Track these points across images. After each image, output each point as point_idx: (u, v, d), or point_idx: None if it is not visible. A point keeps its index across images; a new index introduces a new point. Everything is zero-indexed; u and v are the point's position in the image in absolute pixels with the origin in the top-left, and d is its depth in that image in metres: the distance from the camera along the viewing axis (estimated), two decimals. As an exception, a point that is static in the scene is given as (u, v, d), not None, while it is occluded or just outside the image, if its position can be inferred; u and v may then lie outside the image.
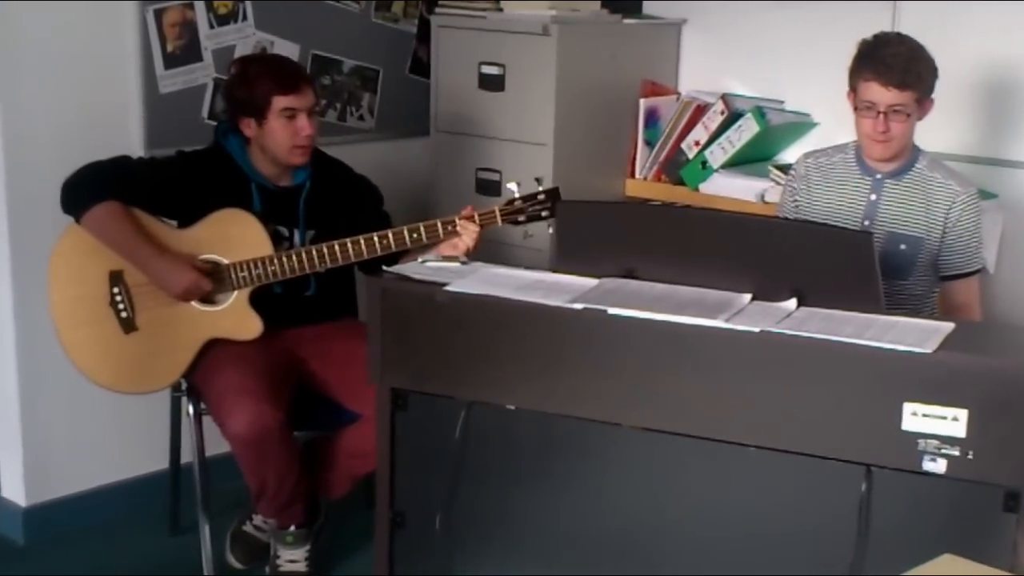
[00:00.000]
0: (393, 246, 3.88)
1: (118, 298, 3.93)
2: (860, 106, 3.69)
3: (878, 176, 3.81)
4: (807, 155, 3.99)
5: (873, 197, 3.81)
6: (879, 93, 3.63)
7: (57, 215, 3.90)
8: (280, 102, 3.94)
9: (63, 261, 3.96)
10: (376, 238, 3.88)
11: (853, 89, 3.71)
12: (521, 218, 3.90)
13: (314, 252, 3.90)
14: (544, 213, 3.89)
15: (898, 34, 3.77)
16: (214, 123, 4.35)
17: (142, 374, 3.99)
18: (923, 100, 3.68)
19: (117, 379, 3.99)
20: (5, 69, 4.07)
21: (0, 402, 4.35)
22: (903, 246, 3.76)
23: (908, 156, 3.79)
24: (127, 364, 3.97)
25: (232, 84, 4.07)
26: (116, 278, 3.93)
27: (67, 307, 3.96)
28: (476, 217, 3.86)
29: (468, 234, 3.83)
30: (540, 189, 3.90)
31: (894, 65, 3.61)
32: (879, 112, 3.65)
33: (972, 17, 4.34)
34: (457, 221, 3.85)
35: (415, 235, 3.87)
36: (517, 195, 3.89)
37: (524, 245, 4.20)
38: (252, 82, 3.97)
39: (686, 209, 4.40)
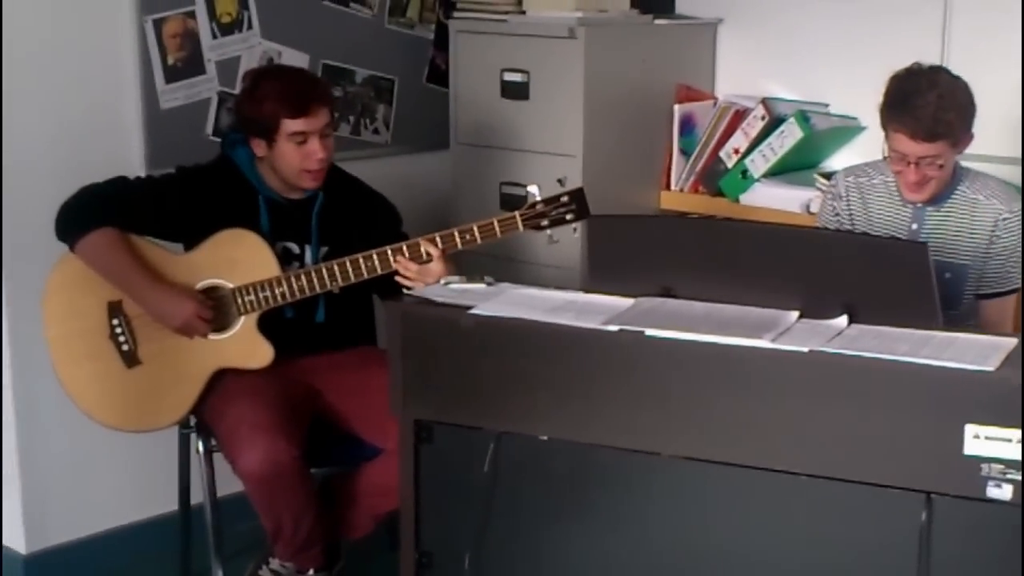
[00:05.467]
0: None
1: (118, 330, 3.95)
2: (892, 154, 3.71)
3: (919, 204, 3.82)
4: (847, 172, 4.00)
5: (915, 226, 3.83)
6: (909, 146, 3.64)
7: (53, 242, 3.93)
8: (289, 126, 3.94)
9: (58, 292, 3.98)
10: (391, 252, 3.89)
11: (883, 128, 3.72)
12: (544, 222, 3.91)
13: (324, 271, 3.92)
14: (568, 216, 3.90)
15: (930, 72, 3.69)
16: (219, 140, 4.36)
17: (147, 410, 4.01)
18: (959, 142, 3.68)
19: (121, 417, 4.01)
20: (-5, 87, 4.11)
21: (-3, 443, 4.37)
22: (948, 274, 3.77)
23: (950, 180, 3.80)
24: (131, 400, 3.99)
25: (241, 102, 4.09)
26: (115, 309, 3.96)
27: (64, 342, 3.98)
28: (438, 240, 3.90)
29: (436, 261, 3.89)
30: (563, 191, 3.92)
31: (923, 118, 3.59)
32: (910, 162, 3.66)
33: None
34: (421, 242, 3.90)
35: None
36: (538, 198, 3.91)
37: (551, 264, 4.19)
38: (260, 102, 3.97)
39: (726, 222, 4.40)
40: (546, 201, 3.91)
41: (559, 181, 3.91)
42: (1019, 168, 4.28)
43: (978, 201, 3.80)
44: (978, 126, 3.70)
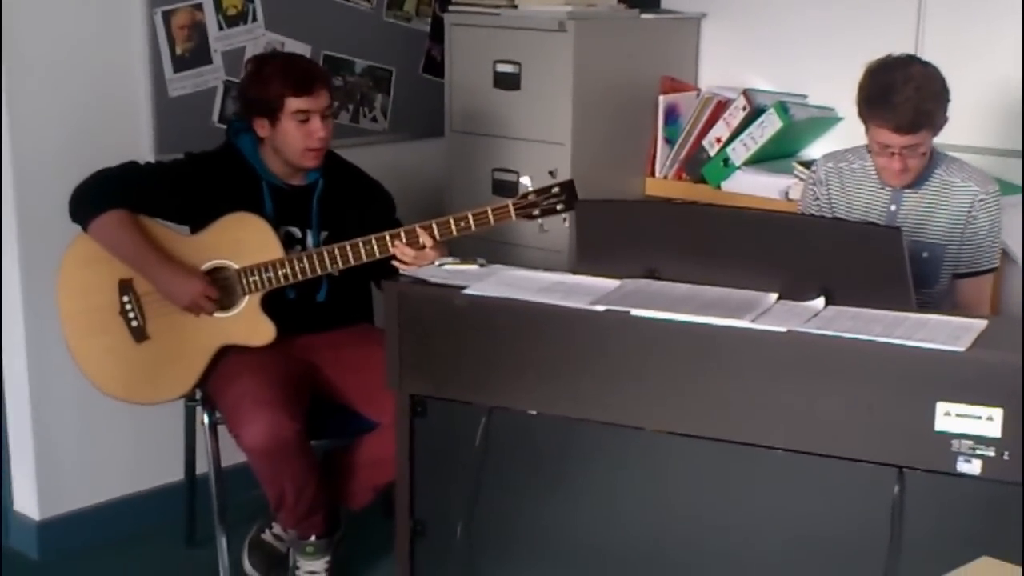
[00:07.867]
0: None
1: (128, 307, 3.94)
2: (874, 145, 3.68)
3: (898, 188, 3.80)
4: (827, 158, 3.98)
5: (893, 208, 3.81)
6: (893, 138, 3.61)
7: (66, 223, 3.91)
8: (293, 104, 3.93)
9: (72, 270, 3.97)
10: (388, 237, 3.87)
11: (863, 121, 3.69)
12: (535, 212, 3.89)
13: (324, 254, 3.90)
14: (559, 206, 3.88)
15: (904, 64, 3.64)
16: (224, 127, 4.34)
17: (155, 384, 3.99)
18: (938, 127, 3.66)
19: (129, 389, 4.00)
20: (11, 75, 4.07)
21: (12, 415, 4.35)
22: (925, 254, 3.76)
23: (927, 164, 3.77)
24: (139, 374, 3.98)
25: (246, 83, 4.07)
26: (126, 286, 3.94)
27: (77, 317, 3.97)
28: (434, 227, 3.86)
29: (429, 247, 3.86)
30: (554, 182, 3.91)
31: (904, 112, 3.56)
32: (894, 152, 3.64)
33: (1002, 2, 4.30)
34: (418, 229, 3.87)
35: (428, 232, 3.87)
36: (531, 189, 3.89)
37: (541, 247, 4.17)
38: (266, 82, 3.96)
39: (708, 207, 4.39)
40: (538, 192, 3.89)
41: (551, 173, 3.90)
42: (996, 159, 4.26)
43: (954, 184, 3.77)
44: (954, 117, 3.68)
